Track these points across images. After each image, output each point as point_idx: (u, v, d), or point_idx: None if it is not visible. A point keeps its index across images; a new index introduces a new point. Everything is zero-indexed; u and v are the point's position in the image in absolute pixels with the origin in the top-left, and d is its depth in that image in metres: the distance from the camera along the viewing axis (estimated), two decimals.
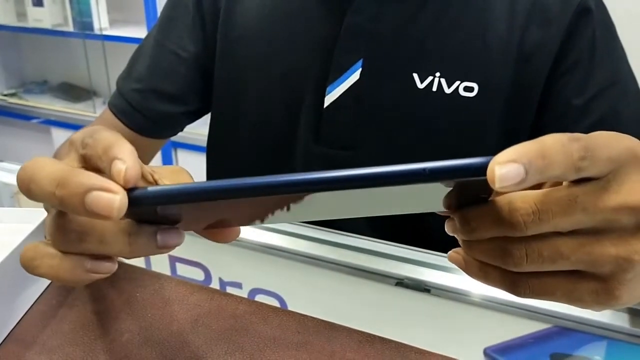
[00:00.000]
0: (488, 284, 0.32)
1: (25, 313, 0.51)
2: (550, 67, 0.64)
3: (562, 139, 0.27)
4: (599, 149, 0.28)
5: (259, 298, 0.57)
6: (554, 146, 0.27)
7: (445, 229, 0.32)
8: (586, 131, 0.65)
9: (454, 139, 0.67)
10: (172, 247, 0.31)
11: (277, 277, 0.48)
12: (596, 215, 0.28)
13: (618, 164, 0.28)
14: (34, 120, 2.59)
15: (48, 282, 0.55)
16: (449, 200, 0.30)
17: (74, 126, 2.45)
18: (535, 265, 0.29)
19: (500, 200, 0.29)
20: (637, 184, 0.28)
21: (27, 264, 0.34)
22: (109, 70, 2.42)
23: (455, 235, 0.32)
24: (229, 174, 0.81)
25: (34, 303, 0.52)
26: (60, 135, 2.55)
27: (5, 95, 2.67)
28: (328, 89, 0.67)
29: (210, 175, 0.85)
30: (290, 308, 0.55)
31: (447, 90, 0.64)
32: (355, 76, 0.66)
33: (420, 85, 0.65)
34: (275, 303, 0.57)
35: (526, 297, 0.31)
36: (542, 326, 0.55)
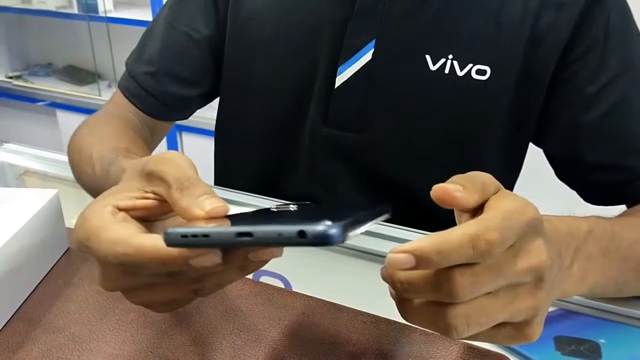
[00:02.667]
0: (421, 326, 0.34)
1: (32, 292, 0.51)
2: (561, 52, 0.63)
3: (472, 232, 0.30)
4: (511, 230, 0.32)
5: (264, 279, 0.58)
6: (457, 241, 0.30)
7: (382, 276, 0.34)
8: (597, 120, 0.65)
9: (464, 123, 0.66)
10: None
11: (281, 259, 0.47)
12: (511, 279, 0.33)
13: (522, 235, 0.33)
14: (40, 103, 2.59)
15: (54, 261, 0.55)
16: None
17: (79, 109, 2.45)
18: (473, 332, 0.32)
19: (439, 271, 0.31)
20: (537, 248, 0.33)
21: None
22: (113, 53, 2.41)
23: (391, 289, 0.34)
24: (237, 157, 0.81)
25: (40, 282, 0.52)
26: (65, 118, 2.55)
27: (10, 77, 2.67)
28: (339, 69, 0.66)
29: (218, 157, 0.84)
30: (294, 289, 0.55)
31: (460, 73, 0.64)
32: (367, 57, 0.65)
33: (433, 68, 0.64)
34: (280, 284, 0.57)
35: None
36: None
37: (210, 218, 0.32)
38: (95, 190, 0.62)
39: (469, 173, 0.36)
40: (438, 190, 0.33)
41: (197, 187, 0.33)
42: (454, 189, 0.33)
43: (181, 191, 0.33)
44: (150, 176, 0.35)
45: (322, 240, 0.27)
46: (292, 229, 0.27)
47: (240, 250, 0.32)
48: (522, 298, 0.33)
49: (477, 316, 0.32)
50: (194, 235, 0.29)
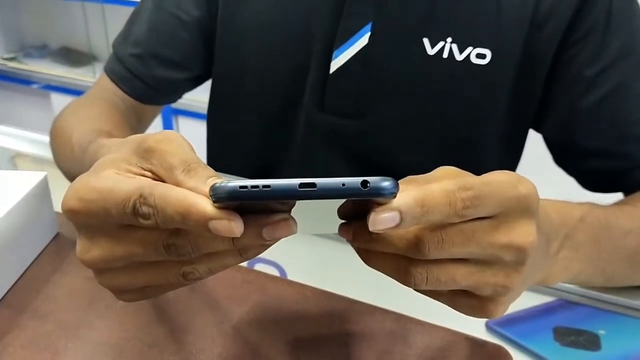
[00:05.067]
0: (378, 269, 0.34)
1: (19, 278, 0.50)
2: (562, 34, 0.61)
3: (450, 188, 0.30)
4: (490, 196, 0.31)
5: (259, 267, 0.57)
6: (438, 196, 0.30)
7: (339, 233, 0.34)
8: (595, 104, 0.63)
9: (464, 108, 0.65)
10: (281, 238, 0.31)
11: (277, 246, 0.47)
12: (486, 249, 0.32)
13: (507, 209, 0.32)
14: (34, 85, 2.57)
15: (43, 247, 0.54)
16: (347, 209, 0.33)
17: (74, 91, 2.42)
18: (431, 287, 0.33)
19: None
20: (523, 227, 0.32)
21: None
22: (108, 34, 2.38)
23: (351, 242, 0.34)
24: (229, 142, 0.79)
25: (27, 268, 0.51)
26: (59, 101, 2.52)
27: (4, 59, 2.64)
28: (334, 53, 0.65)
29: (210, 144, 0.83)
30: (289, 277, 0.54)
31: (459, 57, 0.62)
32: (363, 40, 0.64)
33: (431, 52, 0.62)
34: (275, 272, 0.56)
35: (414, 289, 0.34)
36: (545, 299, 0.54)
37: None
38: (73, 174, 0.60)
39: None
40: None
41: (204, 169, 0.32)
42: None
43: (187, 172, 0.31)
44: (149, 153, 0.33)
45: (381, 192, 0.28)
46: (354, 180, 0.28)
47: (253, 226, 0.30)
48: (494, 273, 0.33)
49: (438, 273, 0.32)
50: (254, 187, 0.27)
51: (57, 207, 0.56)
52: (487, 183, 0.31)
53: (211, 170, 0.32)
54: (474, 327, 0.48)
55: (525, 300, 0.53)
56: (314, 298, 0.49)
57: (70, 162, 0.60)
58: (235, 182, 0.28)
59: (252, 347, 0.43)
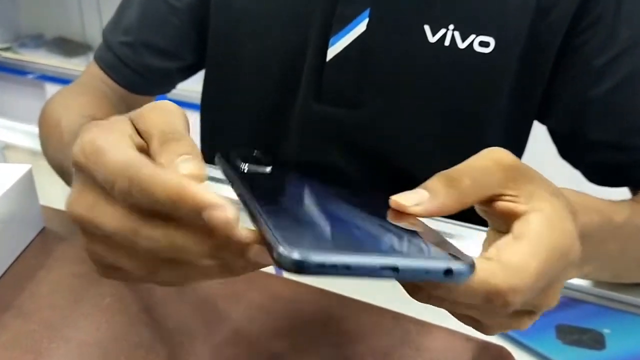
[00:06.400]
0: None
1: (2, 275, 0.48)
2: (569, 22, 0.59)
3: (494, 290, 0.27)
4: (542, 284, 0.29)
5: None
6: (469, 290, 0.27)
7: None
8: (603, 95, 0.61)
9: (466, 98, 0.63)
10: None
11: None
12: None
13: (550, 281, 0.30)
14: (29, 76, 2.54)
15: (27, 242, 0.52)
16: None
17: (68, 82, 2.37)
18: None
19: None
20: (551, 293, 0.31)
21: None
22: (103, 25, 2.35)
23: None
24: (223, 133, 0.77)
25: (11, 264, 0.49)
26: (54, 91, 2.48)
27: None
28: (331, 40, 0.63)
29: (204, 134, 0.81)
30: (285, 275, 0.53)
31: (461, 45, 0.60)
32: (361, 27, 0.62)
33: (432, 39, 0.60)
34: (270, 269, 0.55)
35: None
36: None
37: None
38: (61, 162, 0.57)
39: (466, 162, 0.32)
40: (392, 203, 0.31)
41: (178, 143, 0.29)
42: (410, 204, 0.30)
43: (162, 145, 0.29)
44: (138, 119, 0.31)
45: (459, 279, 0.26)
46: (438, 266, 0.26)
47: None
48: (500, 318, 0.31)
49: (435, 303, 0.30)
50: (333, 266, 0.25)
51: (43, 201, 0.55)
52: (541, 274, 0.28)
53: (186, 146, 0.29)
54: None
55: None
56: (310, 296, 0.47)
57: (59, 148, 0.58)
58: (314, 255, 0.25)
59: (246, 348, 0.41)
